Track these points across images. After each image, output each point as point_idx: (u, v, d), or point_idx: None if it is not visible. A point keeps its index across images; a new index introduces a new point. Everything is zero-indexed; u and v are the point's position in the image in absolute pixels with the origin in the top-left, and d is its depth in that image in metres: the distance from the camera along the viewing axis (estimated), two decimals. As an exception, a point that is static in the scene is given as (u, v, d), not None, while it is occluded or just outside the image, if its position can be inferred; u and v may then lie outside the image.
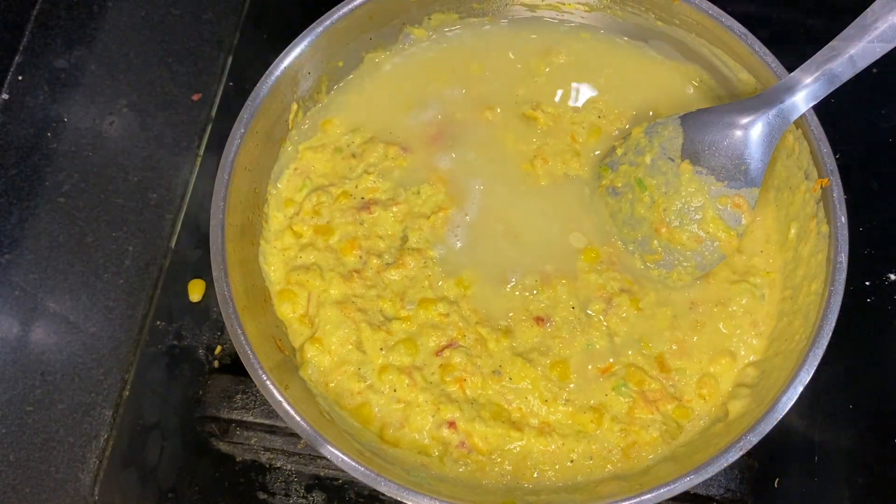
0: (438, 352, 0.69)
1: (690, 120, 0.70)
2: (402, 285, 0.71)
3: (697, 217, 0.70)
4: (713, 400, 0.68)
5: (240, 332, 0.64)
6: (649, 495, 0.59)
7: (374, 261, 0.72)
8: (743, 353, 0.69)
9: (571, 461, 0.66)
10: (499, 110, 0.77)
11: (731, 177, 0.68)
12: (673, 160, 0.70)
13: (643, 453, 0.67)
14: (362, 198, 0.74)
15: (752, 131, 0.67)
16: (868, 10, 0.62)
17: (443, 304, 0.70)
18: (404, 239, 0.73)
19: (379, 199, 0.74)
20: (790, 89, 0.65)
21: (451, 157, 0.76)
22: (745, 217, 0.69)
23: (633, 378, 0.68)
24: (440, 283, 0.71)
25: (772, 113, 0.66)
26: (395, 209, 0.73)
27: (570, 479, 0.66)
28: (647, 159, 0.71)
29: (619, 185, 0.73)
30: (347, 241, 0.72)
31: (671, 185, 0.70)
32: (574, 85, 0.79)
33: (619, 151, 0.74)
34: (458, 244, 0.73)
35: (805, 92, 0.65)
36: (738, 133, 0.67)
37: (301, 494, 0.75)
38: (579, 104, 0.78)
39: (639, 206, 0.72)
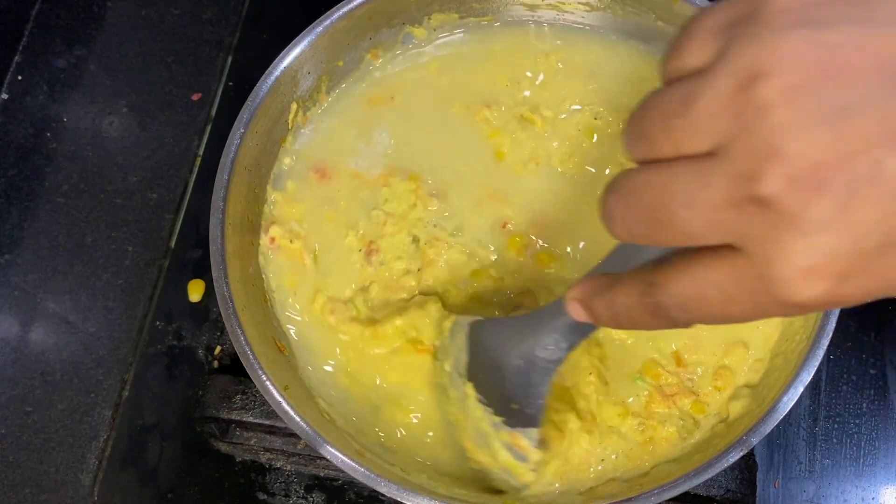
0: None
1: (476, 335, 0.61)
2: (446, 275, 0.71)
3: (488, 445, 0.60)
4: (728, 392, 0.67)
5: (239, 332, 0.63)
6: (649, 496, 0.59)
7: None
8: (756, 342, 0.68)
9: (603, 460, 0.65)
10: (496, 112, 0.77)
11: (507, 413, 0.59)
12: (462, 377, 0.61)
13: (658, 451, 0.66)
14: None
15: (522, 366, 0.56)
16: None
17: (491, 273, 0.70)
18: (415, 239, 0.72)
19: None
20: (559, 314, 0.53)
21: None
22: (531, 455, 0.58)
23: (650, 371, 0.68)
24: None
25: (537, 344, 0.55)
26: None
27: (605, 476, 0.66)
28: (448, 367, 0.63)
29: (443, 381, 0.65)
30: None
31: (464, 405, 0.61)
32: (572, 85, 0.78)
33: (437, 343, 0.67)
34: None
35: (570, 329, 0.53)
36: (513, 363, 0.57)
37: (301, 495, 0.75)
38: (577, 106, 0.77)
39: (450, 412, 0.64)
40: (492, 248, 0.72)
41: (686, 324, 0.38)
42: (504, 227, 0.72)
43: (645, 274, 0.39)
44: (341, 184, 0.74)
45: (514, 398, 0.58)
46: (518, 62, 0.79)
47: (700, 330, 0.69)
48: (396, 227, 0.72)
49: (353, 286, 0.71)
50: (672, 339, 0.69)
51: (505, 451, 0.59)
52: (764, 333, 0.68)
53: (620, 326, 0.43)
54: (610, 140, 0.76)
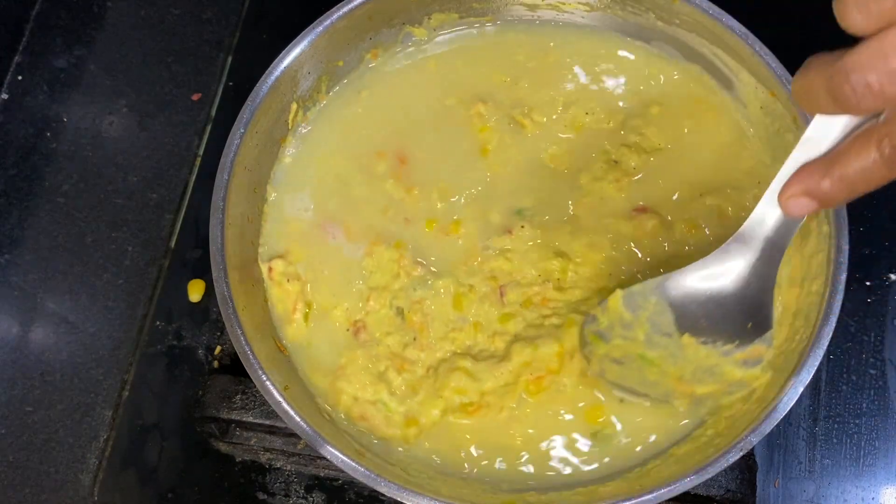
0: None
1: (672, 291, 0.63)
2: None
3: (716, 374, 0.63)
4: None
5: (239, 332, 0.63)
6: (649, 496, 0.59)
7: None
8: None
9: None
10: (492, 116, 0.77)
11: (739, 336, 0.62)
12: (670, 335, 0.64)
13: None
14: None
15: (745, 287, 0.60)
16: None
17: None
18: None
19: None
20: (762, 222, 0.58)
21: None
22: (766, 356, 0.62)
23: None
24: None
25: (754, 257, 0.59)
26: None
27: None
28: (640, 335, 0.65)
29: (618, 356, 0.66)
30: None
31: (677, 357, 0.64)
32: (566, 84, 0.78)
33: (603, 322, 0.66)
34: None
35: (779, 218, 0.57)
36: (730, 292, 0.61)
37: (301, 495, 0.75)
38: (570, 103, 0.77)
39: (648, 374, 0.66)
40: (464, 268, 0.72)
41: None
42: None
43: (875, 131, 0.44)
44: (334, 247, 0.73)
45: (743, 319, 0.61)
46: (516, 60, 0.79)
47: None
48: (379, 302, 0.71)
49: (368, 376, 0.69)
50: None
51: (738, 368, 0.62)
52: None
53: (853, 195, 0.48)
54: (595, 136, 0.76)
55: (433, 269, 0.72)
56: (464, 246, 0.72)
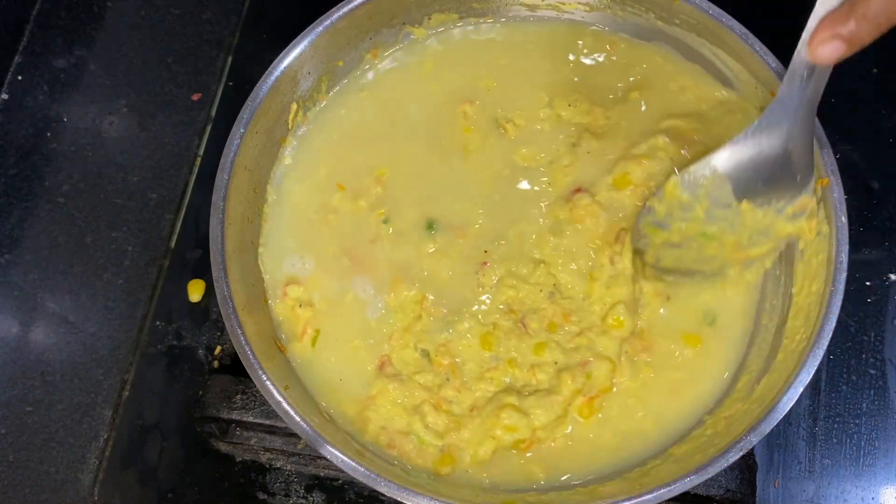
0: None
1: (726, 163, 0.66)
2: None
3: (770, 233, 0.67)
4: None
5: (239, 332, 0.64)
6: (649, 496, 0.59)
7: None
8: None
9: None
10: (475, 108, 0.77)
11: (790, 190, 0.66)
12: (729, 206, 0.67)
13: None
14: None
15: (791, 143, 0.64)
16: None
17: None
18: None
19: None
20: (796, 80, 0.62)
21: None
22: (809, 206, 0.66)
23: None
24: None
25: (795, 115, 0.63)
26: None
27: None
28: (700, 213, 0.68)
29: (678, 240, 0.70)
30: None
31: (736, 225, 0.67)
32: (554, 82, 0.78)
33: (661, 211, 0.69)
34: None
35: (810, 71, 0.61)
36: (779, 152, 0.64)
37: (301, 495, 0.75)
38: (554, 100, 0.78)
39: (707, 249, 0.69)
40: (482, 293, 0.71)
41: None
42: (483, 265, 0.72)
43: None
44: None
45: (790, 175, 0.65)
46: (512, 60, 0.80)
47: None
48: (401, 341, 0.70)
49: (400, 408, 0.68)
50: None
51: (789, 223, 0.67)
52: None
53: (879, 30, 0.52)
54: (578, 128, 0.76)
55: (445, 308, 0.71)
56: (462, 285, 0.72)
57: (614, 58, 0.79)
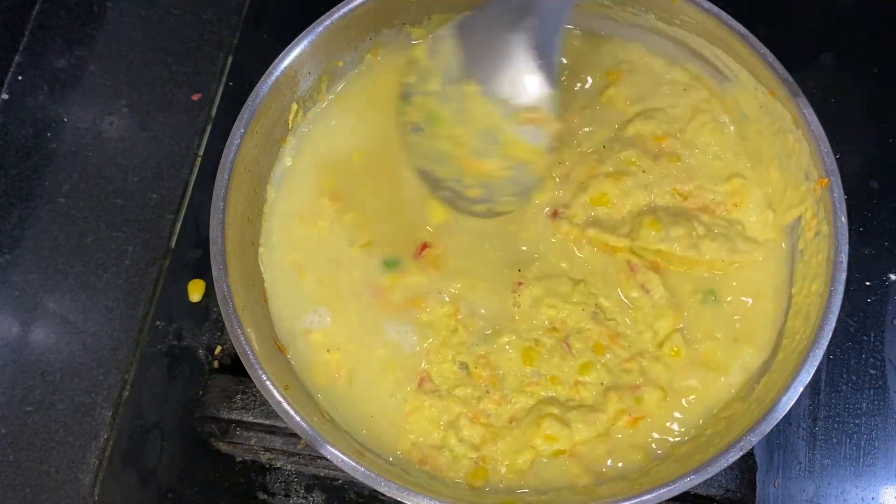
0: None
1: (467, 29, 0.59)
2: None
3: (498, 141, 0.60)
4: None
5: (239, 332, 0.64)
6: (649, 496, 0.59)
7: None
8: None
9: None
10: None
11: (517, 90, 0.58)
12: (457, 83, 0.59)
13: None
14: None
15: (526, 33, 0.56)
16: None
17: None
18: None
19: None
20: None
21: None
22: (547, 127, 0.59)
23: None
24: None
25: (538, 7, 0.56)
26: None
27: None
28: (433, 86, 0.61)
29: (419, 119, 0.63)
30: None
31: (464, 113, 0.60)
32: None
33: (410, 78, 0.62)
34: None
35: None
36: (514, 37, 0.57)
37: (301, 495, 0.75)
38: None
39: (440, 143, 0.63)
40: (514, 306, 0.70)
41: None
42: (518, 285, 0.71)
43: None
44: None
45: (525, 69, 0.57)
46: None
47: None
48: (440, 355, 0.69)
49: (438, 426, 0.68)
50: None
51: (520, 137, 0.59)
52: None
53: None
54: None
55: (482, 321, 0.70)
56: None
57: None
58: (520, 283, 0.71)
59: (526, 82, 0.58)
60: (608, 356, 0.69)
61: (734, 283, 0.71)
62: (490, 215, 0.65)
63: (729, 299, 0.70)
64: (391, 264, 0.71)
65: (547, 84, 0.58)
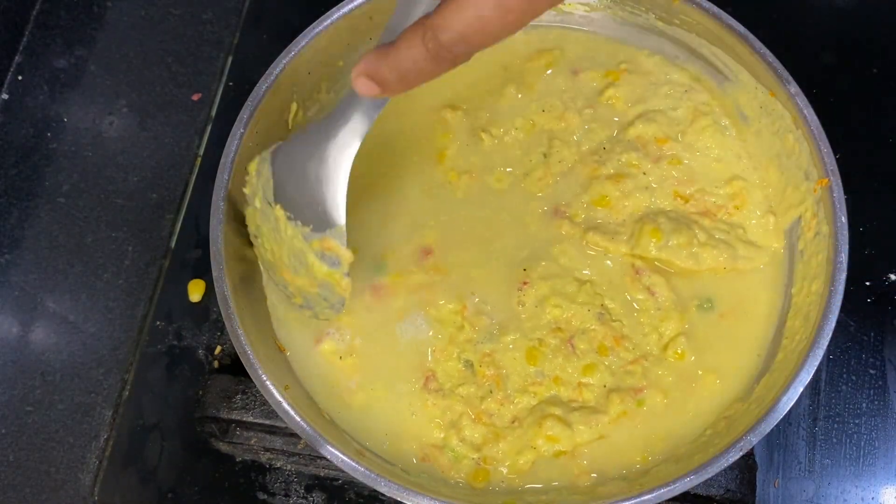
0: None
1: (279, 158, 0.63)
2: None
3: (305, 263, 0.64)
4: None
5: (239, 332, 0.64)
6: (649, 495, 0.59)
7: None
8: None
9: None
10: (457, 115, 0.77)
11: (314, 219, 0.62)
12: (271, 205, 0.64)
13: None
14: None
15: (319, 166, 0.60)
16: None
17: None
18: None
19: None
20: (344, 113, 0.59)
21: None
22: (342, 256, 0.62)
23: None
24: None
25: (336, 137, 0.59)
26: None
27: None
28: (257, 203, 0.65)
29: (253, 229, 0.67)
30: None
31: (277, 232, 0.64)
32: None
33: (247, 191, 0.67)
34: None
35: (360, 114, 0.58)
36: (311, 169, 0.61)
37: (301, 495, 0.75)
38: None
39: (264, 253, 0.67)
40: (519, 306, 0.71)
41: (467, 55, 0.45)
42: (523, 284, 0.71)
43: (422, 24, 0.45)
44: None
45: (318, 202, 0.61)
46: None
47: None
48: (445, 353, 0.69)
49: (439, 425, 0.67)
50: None
51: (319, 261, 0.62)
52: None
53: (408, 85, 0.48)
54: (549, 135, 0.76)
55: (488, 318, 0.70)
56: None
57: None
58: (525, 283, 0.71)
59: (317, 217, 0.62)
60: (612, 358, 0.69)
61: (735, 287, 0.71)
62: (322, 318, 0.68)
63: (729, 302, 0.70)
64: (383, 267, 0.72)
65: (332, 220, 0.61)
